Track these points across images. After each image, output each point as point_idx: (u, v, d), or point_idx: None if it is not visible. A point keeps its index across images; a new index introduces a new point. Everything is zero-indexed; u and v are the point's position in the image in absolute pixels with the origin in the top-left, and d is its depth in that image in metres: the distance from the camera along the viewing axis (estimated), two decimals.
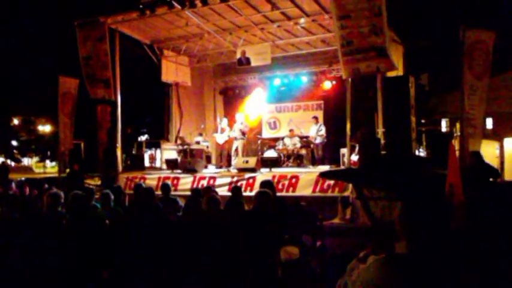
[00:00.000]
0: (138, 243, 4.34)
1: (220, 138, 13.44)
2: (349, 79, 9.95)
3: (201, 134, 14.58)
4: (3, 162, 32.41)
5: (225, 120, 14.06)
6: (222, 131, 13.51)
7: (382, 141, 10.42)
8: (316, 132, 13.17)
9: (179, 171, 11.43)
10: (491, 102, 12.12)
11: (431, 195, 1.83)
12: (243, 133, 13.04)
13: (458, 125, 12.62)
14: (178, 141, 14.12)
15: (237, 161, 11.61)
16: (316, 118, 13.78)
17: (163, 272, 4.06)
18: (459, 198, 1.68)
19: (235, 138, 13.07)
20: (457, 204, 1.70)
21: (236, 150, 12.99)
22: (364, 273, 1.83)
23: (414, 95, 9.63)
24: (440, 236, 1.74)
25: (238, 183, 9.88)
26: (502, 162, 19.79)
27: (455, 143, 11.79)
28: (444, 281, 1.70)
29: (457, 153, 8.93)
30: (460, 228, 1.75)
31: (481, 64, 9.52)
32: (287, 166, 12.63)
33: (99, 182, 12.19)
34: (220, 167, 13.04)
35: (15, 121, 40.52)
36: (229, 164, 12.89)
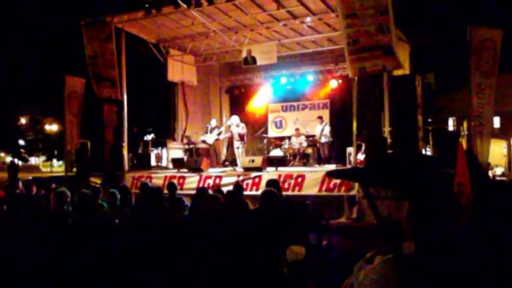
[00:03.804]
0: (144, 243, 4.34)
1: (210, 139, 13.32)
2: (356, 78, 9.91)
3: (206, 133, 14.59)
4: (11, 162, 32.64)
5: (213, 121, 13.98)
6: (211, 130, 13.32)
7: (389, 140, 10.38)
8: (321, 132, 13.12)
9: (185, 170, 11.44)
10: (499, 100, 12.03)
11: (439, 195, 1.81)
12: (241, 136, 12.68)
13: (465, 124, 12.53)
14: (184, 140, 14.13)
15: (243, 160, 11.59)
16: (321, 118, 13.71)
17: (169, 271, 4.06)
18: (467, 197, 1.66)
19: (234, 140, 12.86)
20: (466, 203, 1.68)
21: (238, 149, 12.84)
22: (371, 273, 1.82)
23: (421, 93, 9.58)
24: (448, 236, 1.72)
25: (244, 182, 9.88)
26: (509, 161, 19.68)
27: (463, 142, 11.72)
28: (452, 281, 1.68)
29: None
30: (468, 228, 1.73)
31: (489, 62, 9.46)
32: (293, 165, 12.62)
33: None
34: (226, 166, 13.03)
35: (23, 120, 40.85)
36: (234, 163, 12.87)
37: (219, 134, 13.30)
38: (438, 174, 1.93)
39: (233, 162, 13.11)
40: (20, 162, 38.07)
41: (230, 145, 13.47)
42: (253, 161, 10.92)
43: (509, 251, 1.79)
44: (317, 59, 14.95)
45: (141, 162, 13.61)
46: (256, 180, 10.10)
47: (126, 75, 12.51)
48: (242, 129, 12.74)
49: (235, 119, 13.04)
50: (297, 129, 13.70)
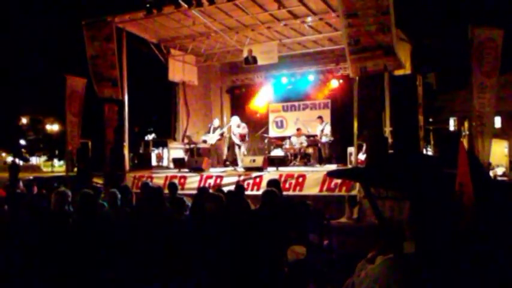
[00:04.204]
0: (145, 243, 4.34)
1: (212, 139, 13.38)
2: (357, 78, 9.90)
3: (208, 133, 14.59)
4: (12, 161, 32.67)
5: (216, 121, 13.99)
6: (214, 130, 13.38)
7: (390, 140, 10.38)
8: (321, 132, 13.12)
9: (186, 170, 11.45)
10: (500, 100, 12.02)
11: (440, 195, 1.81)
12: (243, 137, 12.77)
13: (466, 124, 12.52)
14: (185, 140, 14.13)
15: (244, 160, 11.60)
16: (321, 118, 13.70)
17: (170, 271, 4.06)
18: (469, 197, 1.66)
19: (236, 143, 12.91)
20: (467, 203, 1.67)
21: (239, 149, 12.88)
22: (371, 273, 1.82)
23: (422, 93, 9.58)
24: (450, 236, 1.72)
25: (245, 182, 9.88)
26: (510, 161, 19.67)
27: (464, 142, 11.70)
28: (453, 281, 1.68)
29: None
30: (470, 228, 1.72)
31: (491, 62, 9.45)
32: (294, 165, 12.61)
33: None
34: (227, 166, 13.03)
35: (24, 120, 40.87)
36: (235, 163, 12.87)
37: (222, 134, 13.30)
38: (439, 174, 1.92)
39: (234, 162, 13.10)
40: (21, 162, 38.07)
41: (231, 145, 13.48)
42: (254, 160, 10.92)
43: (510, 251, 1.79)
44: (318, 58, 14.96)
45: (142, 162, 13.62)
46: (257, 180, 10.10)
47: (127, 75, 12.51)
48: (243, 129, 12.77)
49: (235, 119, 13.05)
50: (298, 129, 13.69)
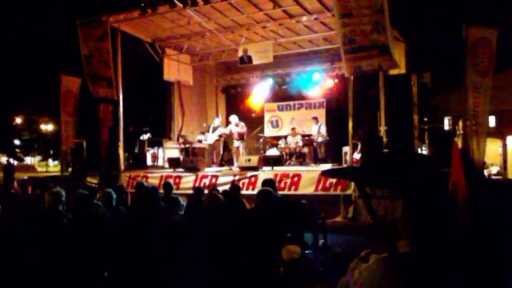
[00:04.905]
0: (140, 243, 4.33)
1: (211, 138, 13.37)
2: (352, 77, 9.92)
3: (203, 133, 14.57)
4: (7, 161, 32.47)
5: (217, 120, 13.97)
6: (214, 130, 13.41)
7: (385, 139, 10.40)
8: (317, 132, 13.14)
9: (181, 169, 11.43)
10: (495, 100, 12.05)
11: (434, 194, 1.81)
12: (241, 135, 12.82)
13: (461, 123, 12.56)
14: (181, 140, 14.12)
15: (239, 160, 11.60)
16: (315, 118, 13.72)
17: (165, 271, 4.05)
18: (463, 196, 1.66)
19: (234, 139, 12.95)
20: (461, 202, 1.68)
21: (237, 148, 12.92)
22: (365, 272, 1.82)
23: (417, 93, 9.61)
24: (443, 235, 1.72)
25: (241, 182, 9.87)
26: (505, 161, 19.73)
27: (458, 141, 11.74)
28: (447, 279, 1.68)
29: None
30: (464, 227, 1.73)
31: (485, 61, 9.49)
32: (289, 164, 12.63)
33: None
34: (222, 165, 13.03)
35: (18, 120, 40.64)
36: (230, 163, 12.87)
37: (221, 135, 13.31)
38: (433, 173, 1.93)
39: (229, 162, 13.10)
40: (16, 162, 37.85)
41: (228, 144, 13.49)
42: (249, 160, 10.92)
43: (504, 250, 1.80)
44: (313, 58, 14.96)
45: (137, 161, 13.58)
46: (253, 179, 10.10)
47: (122, 74, 12.48)
48: (241, 128, 12.82)
49: (234, 118, 13.07)
50: (293, 129, 13.70)
